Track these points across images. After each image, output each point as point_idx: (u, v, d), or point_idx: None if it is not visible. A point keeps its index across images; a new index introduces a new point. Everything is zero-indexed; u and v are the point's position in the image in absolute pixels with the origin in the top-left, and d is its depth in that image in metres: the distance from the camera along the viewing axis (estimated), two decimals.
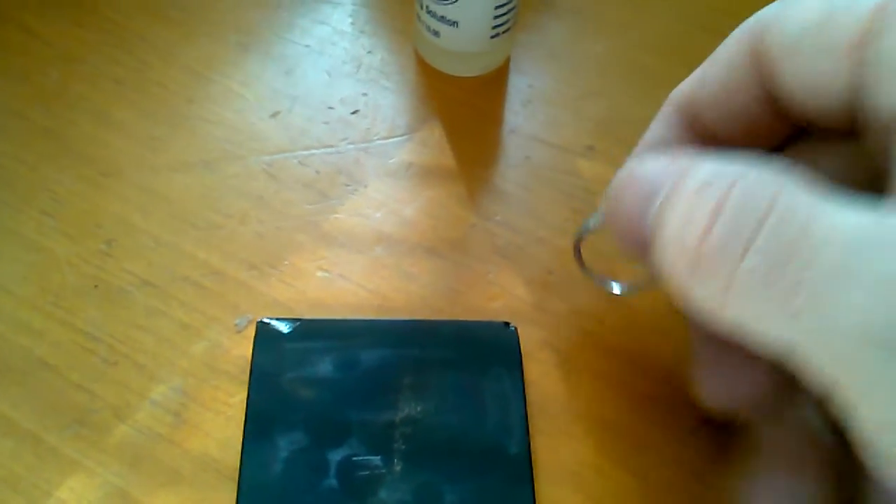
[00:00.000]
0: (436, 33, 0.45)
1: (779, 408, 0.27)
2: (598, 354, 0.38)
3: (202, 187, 0.42)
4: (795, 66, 0.23)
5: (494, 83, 0.48)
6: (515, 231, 0.42)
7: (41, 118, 0.44)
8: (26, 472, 0.34)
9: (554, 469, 0.35)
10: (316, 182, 0.43)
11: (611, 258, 0.36)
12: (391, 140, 0.45)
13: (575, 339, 0.38)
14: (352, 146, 0.45)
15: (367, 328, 0.38)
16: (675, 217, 0.21)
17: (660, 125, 0.31)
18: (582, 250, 0.34)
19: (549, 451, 0.35)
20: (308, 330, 0.37)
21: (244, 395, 0.35)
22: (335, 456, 0.34)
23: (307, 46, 0.49)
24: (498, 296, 0.40)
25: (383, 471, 0.33)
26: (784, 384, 0.26)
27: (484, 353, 0.37)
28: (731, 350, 0.27)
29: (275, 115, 0.46)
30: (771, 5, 0.25)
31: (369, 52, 0.49)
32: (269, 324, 0.37)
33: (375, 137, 0.45)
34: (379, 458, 0.34)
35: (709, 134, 0.29)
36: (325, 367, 0.36)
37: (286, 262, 0.40)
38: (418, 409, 0.35)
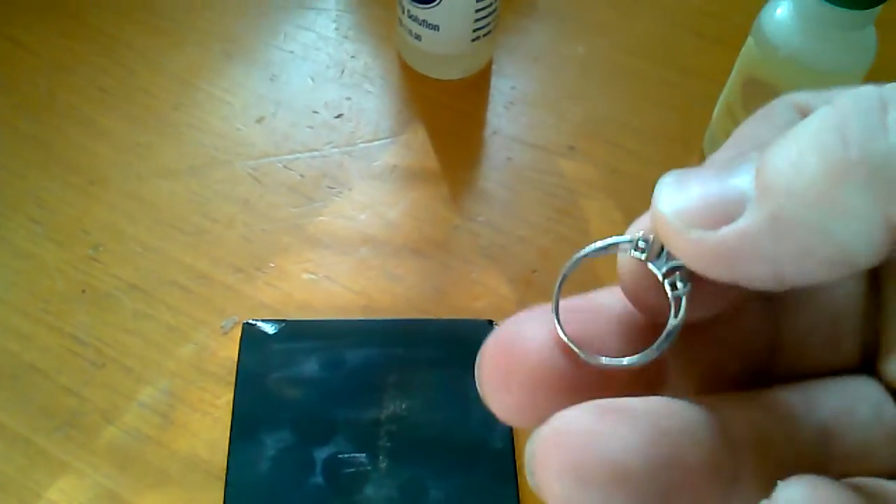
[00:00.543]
0: (417, 37, 0.46)
1: None
2: None
3: (188, 192, 0.43)
4: None
5: (477, 86, 0.49)
6: (498, 231, 0.42)
7: (29, 127, 0.45)
8: (16, 474, 0.34)
9: None
10: (301, 185, 0.44)
11: None
12: (375, 143, 0.46)
13: None
14: (336, 150, 0.45)
15: (352, 328, 0.38)
16: None
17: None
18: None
19: None
20: (294, 331, 0.38)
21: (231, 395, 0.36)
22: (321, 454, 0.34)
23: (291, 52, 0.49)
24: (482, 295, 0.40)
25: (369, 468, 0.34)
26: None
27: (468, 351, 0.37)
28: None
29: (260, 120, 0.46)
30: None
31: (353, 56, 0.50)
32: (254, 325, 0.38)
33: (359, 141, 0.46)
34: (365, 455, 0.34)
35: None
36: (310, 366, 0.37)
37: (272, 265, 0.41)
38: (403, 406, 0.36)
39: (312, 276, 0.40)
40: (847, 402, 0.18)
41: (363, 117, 0.47)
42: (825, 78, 0.38)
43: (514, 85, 0.49)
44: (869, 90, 0.14)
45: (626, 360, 0.16)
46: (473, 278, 0.41)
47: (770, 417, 0.17)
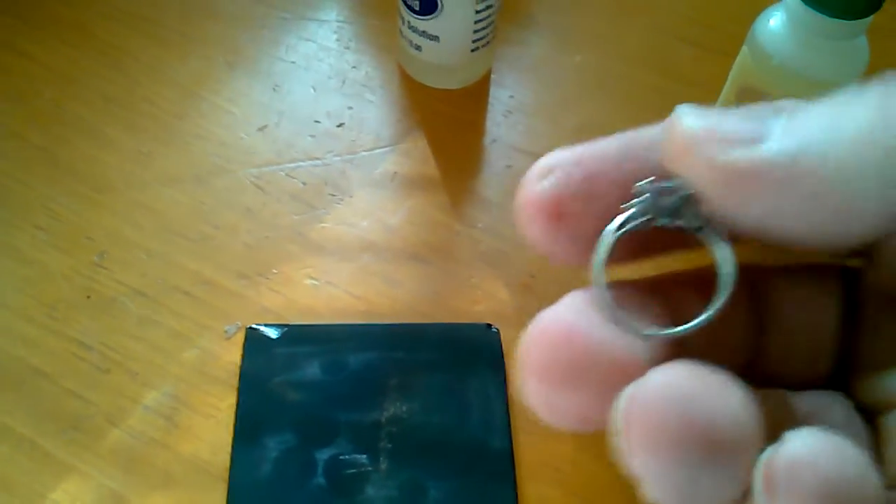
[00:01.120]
0: (418, 48, 0.47)
1: None
2: None
3: (192, 200, 0.44)
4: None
5: (476, 95, 0.50)
6: (498, 237, 0.43)
7: (35, 137, 0.46)
8: (22, 477, 0.34)
9: (535, 465, 0.36)
10: (303, 193, 0.44)
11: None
12: (376, 151, 0.46)
13: None
14: (338, 158, 0.46)
15: (354, 332, 0.39)
16: None
17: None
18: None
19: (530, 448, 0.36)
20: (296, 335, 0.38)
21: (234, 399, 0.36)
22: (323, 455, 0.35)
23: (293, 63, 0.50)
24: (481, 299, 0.41)
25: (370, 469, 0.34)
26: None
27: (467, 354, 0.38)
28: None
29: (262, 129, 0.47)
30: None
31: (354, 67, 0.50)
32: (258, 330, 0.38)
33: (360, 149, 0.46)
34: (365, 456, 0.35)
35: None
36: (312, 370, 0.37)
37: (275, 271, 0.41)
38: (404, 409, 0.36)
39: (314, 282, 0.41)
40: (820, 411, 0.18)
41: (364, 126, 0.47)
42: (818, 86, 0.39)
43: (513, 94, 0.50)
44: None
45: (694, 322, 0.15)
46: (473, 283, 0.41)
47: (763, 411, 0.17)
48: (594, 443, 0.36)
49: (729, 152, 0.15)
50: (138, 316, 0.39)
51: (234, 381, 0.37)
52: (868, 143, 0.15)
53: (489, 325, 0.39)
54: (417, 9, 0.45)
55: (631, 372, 0.15)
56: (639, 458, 0.15)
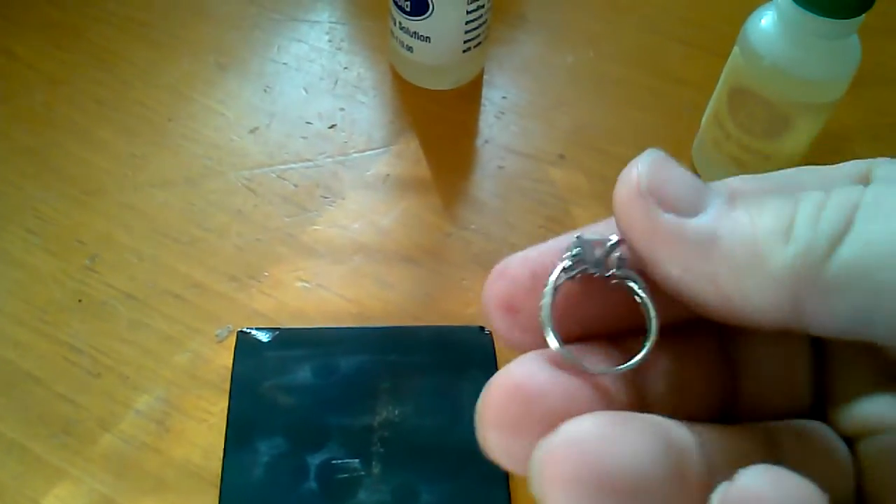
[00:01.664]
0: (409, 48, 0.47)
1: None
2: None
3: (183, 203, 0.43)
4: None
5: (468, 96, 0.49)
6: (490, 239, 0.43)
7: (25, 139, 0.45)
8: (13, 482, 0.34)
9: None
10: (294, 195, 0.44)
11: None
12: (368, 153, 0.46)
13: None
14: (329, 160, 0.46)
15: (345, 335, 0.39)
16: None
17: None
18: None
19: None
20: (287, 339, 0.38)
21: (226, 403, 0.36)
22: (315, 459, 0.35)
23: (285, 64, 0.50)
24: (473, 301, 0.41)
25: (362, 473, 0.34)
26: None
27: (460, 356, 0.38)
28: None
29: (253, 131, 0.47)
30: None
31: (346, 68, 0.50)
32: (249, 333, 0.38)
33: (352, 151, 0.46)
34: (358, 460, 0.35)
35: None
36: (304, 374, 0.37)
37: (266, 274, 0.41)
38: (396, 412, 0.36)
39: (306, 285, 0.41)
40: (804, 440, 0.19)
41: (356, 127, 0.47)
42: (809, 86, 0.39)
43: (505, 95, 0.49)
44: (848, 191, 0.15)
45: (632, 361, 0.17)
46: (465, 285, 0.41)
47: (737, 447, 0.17)
48: None
49: (661, 213, 0.17)
50: (129, 319, 0.39)
51: (226, 385, 0.37)
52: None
53: (482, 328, 0.39)
54: (408, 9, 0.45)
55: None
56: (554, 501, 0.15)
